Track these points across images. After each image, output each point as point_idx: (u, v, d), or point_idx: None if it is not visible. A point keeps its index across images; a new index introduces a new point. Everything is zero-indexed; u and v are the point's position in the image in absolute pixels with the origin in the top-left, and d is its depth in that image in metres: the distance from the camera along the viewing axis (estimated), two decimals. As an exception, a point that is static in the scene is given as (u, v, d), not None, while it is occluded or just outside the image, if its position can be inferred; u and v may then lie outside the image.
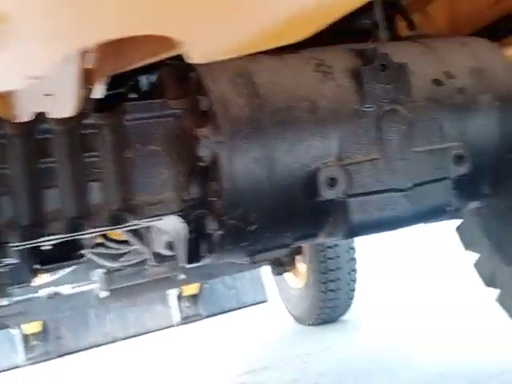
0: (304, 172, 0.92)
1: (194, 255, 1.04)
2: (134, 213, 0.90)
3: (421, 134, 0.98)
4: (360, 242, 3.87)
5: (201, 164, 0.90)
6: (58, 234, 0.87)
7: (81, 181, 0.87)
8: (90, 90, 0.85)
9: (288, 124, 0.90)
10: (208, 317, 5.68)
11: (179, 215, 0.96)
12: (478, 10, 1.28)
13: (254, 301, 5.73)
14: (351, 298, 3.89)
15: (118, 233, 1.85)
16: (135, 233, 1.35)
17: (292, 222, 0.98)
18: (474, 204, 1.14)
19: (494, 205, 1.82)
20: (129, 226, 1.00)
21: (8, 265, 0.91)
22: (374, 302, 4.43)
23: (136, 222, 0.94)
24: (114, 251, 2.36)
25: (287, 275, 3.99)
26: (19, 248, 0.90)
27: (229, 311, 5.73)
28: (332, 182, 0.93)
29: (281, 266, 3.63)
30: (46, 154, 0.85)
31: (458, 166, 1.00)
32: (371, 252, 5.53)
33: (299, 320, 4.15)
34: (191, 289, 5.48)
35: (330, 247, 3.59)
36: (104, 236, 2.05)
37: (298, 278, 4.01)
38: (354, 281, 3.78)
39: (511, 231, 1.80)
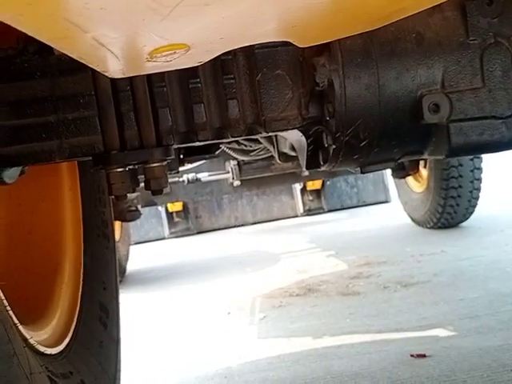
0: (410, 98, 1.05)
1: (311, 163, 1.25)
2: (263, 126, 1.11)
3: None
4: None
5: (318, 88, 1.06)
6: (206, 140, 1.12)
7: (222, 99, 1.09)
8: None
9: (396, 54, 1.02)
10: (329, 211, 6.02)
11: (300, 130, 1.15)
12: None
13: (374, 200, 5.92)
14: (473, 206, 3.91)
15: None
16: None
17: (399, 140, 1.13)
18: None
19: None
20: (260, 135, 1.23)
21: (169, 160, 1.16)
22: (498, 212, 4.38)
23: (265, 133, 1.15)
24: (245, 147, 2.64)
25: (408, 179, 4.07)
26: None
27: (349, 208, 6.01)
28: (435, 108, 1.05)
29: (402, 170, 3.72)
30: (194, 75, 1.07)
31: (562, 97, 1.05)
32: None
33: (417, 223, 4.27)
34: (315, 184, 5.78)
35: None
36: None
37: (420, 182, 4.09)
38: (478, 189, 3.77)
39: None
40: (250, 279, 3.61)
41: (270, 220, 6.06)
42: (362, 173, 1.24)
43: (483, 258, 3.11)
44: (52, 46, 0.43)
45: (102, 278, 1.61)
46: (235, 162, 3.81)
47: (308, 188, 5.88)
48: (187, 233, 5.93)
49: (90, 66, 0.54)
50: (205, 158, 2.86)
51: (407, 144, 1.14)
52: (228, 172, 3.91)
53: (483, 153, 1.13)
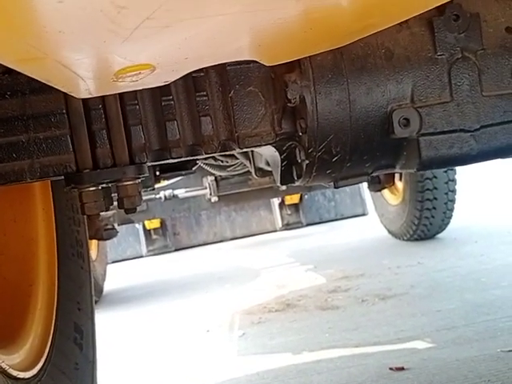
0: (380, 113, 1.06)
1: (285, 178, 1.26)
2: (236, 143, 1.11)
3: (491, 80, 1.07)
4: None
5: (290, 104, 1.07)
6: (180, 157, 1.12)
7: (195, 116, 1.09)
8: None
9: (366, 70, 1.04)
10: (308, 225, 6.04)
11: (273, 146, 1.16)
12: None
13: (352, 213, 5.96)
14: (449, 218, 3.96)
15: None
16: (241, 150, 1.56)
17: (371, 154, 1.14)
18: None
19: None
20: (234, 152, 1.23)
21: (143, 177, 1.16)
22: (472, 223, 4.45)
23: (239, 149, 1.15)
24: (222, 163, 2.64)
25: (384, 192, 4.11)
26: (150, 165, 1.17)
27: (327, 221, 6.04)
28: (405, 122, 1.07)
29: (378, 183, 3.76)
30: (167, 93, 1.07)
31: (529, 109, 1.08)
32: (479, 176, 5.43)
33: (394, 235, 4.32)
34: (293, 199, 5.81)
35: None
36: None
37: (395, 194, 4.13)
38: (453, 201, 3.83)
39: None
40: (229, 295, 3.59)
41: (248, 235, 6.05)
42: (336, 187, 1.25)
43: (459, 269, 3.14)
44: (15, 68, 0.43)
45: (77, 299, 1.58)
46: (212, 178, 3.81)
47: (286, 202, 5.91)
48: (165, 250, 5.88)
49: (55, 87, 0.53)
50: (181, 175, 2.86)
51: (379, 158, 1.15)
52: (205, 188, 3.91)
53: (453, 166, 1.15)
